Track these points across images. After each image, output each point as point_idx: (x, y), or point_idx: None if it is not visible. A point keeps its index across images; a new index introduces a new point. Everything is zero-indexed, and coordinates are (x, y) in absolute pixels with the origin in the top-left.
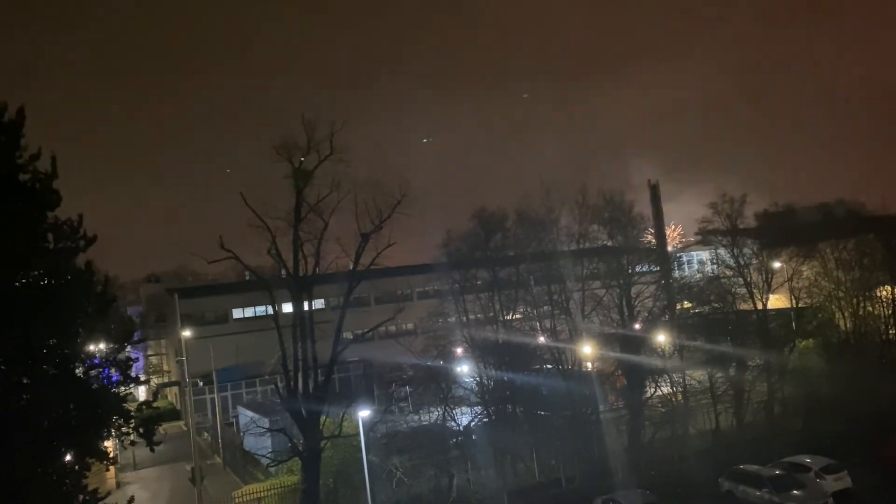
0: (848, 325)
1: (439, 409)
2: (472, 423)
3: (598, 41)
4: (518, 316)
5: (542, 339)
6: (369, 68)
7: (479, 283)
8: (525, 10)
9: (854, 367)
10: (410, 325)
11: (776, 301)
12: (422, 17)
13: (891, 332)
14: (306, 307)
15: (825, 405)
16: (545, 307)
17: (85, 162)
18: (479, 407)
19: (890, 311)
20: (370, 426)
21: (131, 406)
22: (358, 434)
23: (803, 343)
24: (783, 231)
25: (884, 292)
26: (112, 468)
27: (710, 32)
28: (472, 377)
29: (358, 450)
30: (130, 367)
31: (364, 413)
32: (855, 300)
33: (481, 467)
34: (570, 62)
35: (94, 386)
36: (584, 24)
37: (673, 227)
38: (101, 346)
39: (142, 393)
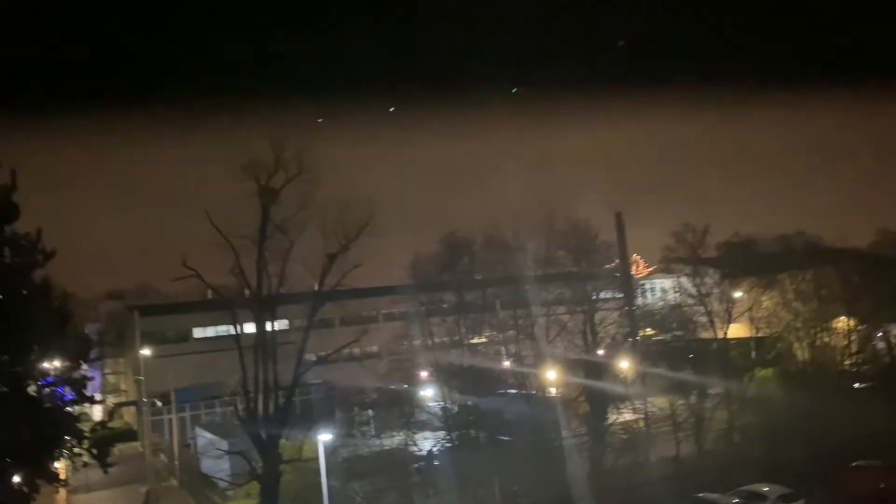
0: (806, 356)
1: (402, 433)
2: (435, 448)
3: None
4: (483, 340)
5: (506, 364)
6: (340, 90)
7: (445, 305)
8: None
9: (811, 398)
10: (375, 348)
11: (736, 330)
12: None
13: (846, 363)
14: (269, 328)
15: (784, 434)
16: (510, 331)
17: (46, 176)
18: (443, 431)
19: (846, 343)
20: (331, 450)
21: (85, 426)
22: (318, 458)
23: (762, 372)
24: (744, 261)
25: (840, 324)
26: (62, 490)
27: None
28: (437, 401)
29: (318, 474)
30: (86, 385)
31: (325, 436)
32: (812, 331)
33: (443, 493)
34: (540, 93)
35: (47, 405)
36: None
37: (642, 262)
38: (56, 363)
39: (97, 412)
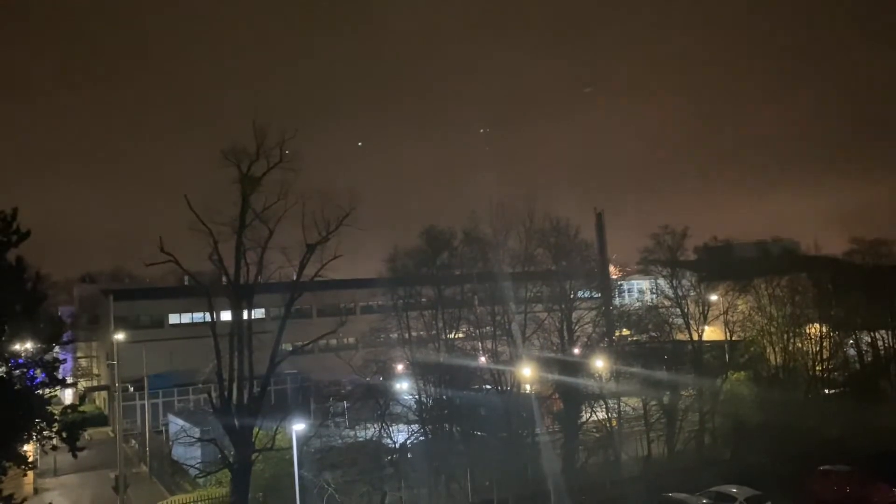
0: (778, 360)
1: (376, 425)
2: (409, 441)
3: (550, 83)
4: (460, 335)
5: (483, 360)
6: (327, 88)
7: (423, 300)
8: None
9: (782, 402)
10: (352, 340)
11: (711, 333)
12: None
13: (817, 368)
14: (245, 316)
15: (753, 437)
16: (488, 328)
17: (25, 156)
18: (417, 425)
19: (817, 349)
20: (304, 440)
21: (56, 409)
22: (291, 448)
23: (735, 375)
24: (721, 265)
25: (812, 330)
26: (30, 473)
27: (654, 75)
28: (411, 394)
29: (290, 464)
30: (57, 368)
31: (298, 426)
32: (785, 336)
33: (415, 486)
34: (529, 101)
35: (17, 387)
36: (542, 67)
37: (614, 267)
38: (28, 345)
39: (68, 396)
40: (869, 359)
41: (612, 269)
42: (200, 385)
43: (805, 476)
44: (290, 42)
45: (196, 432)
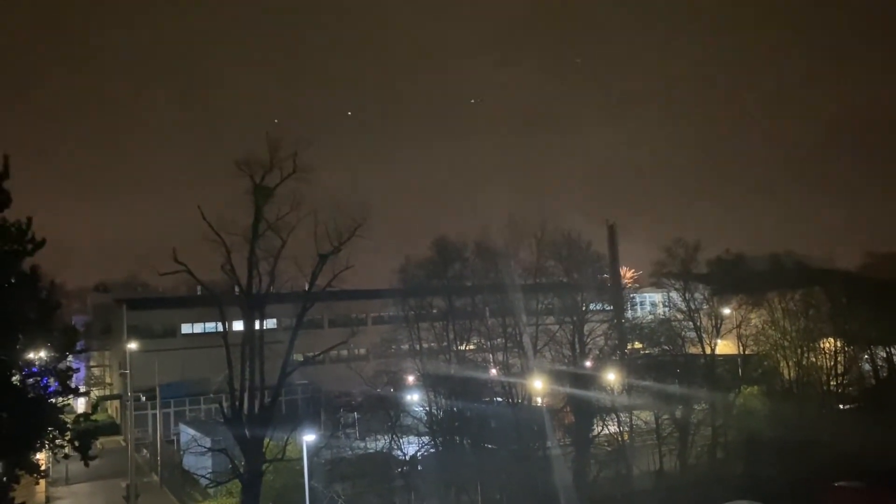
0: (791, 375)
1: (386, 436)
2: (419, 453)
3: (561, 96)
4: (471, 347)
5: (494, 372)
6: (339, 99)
7: (434, 311)
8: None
9: (795, 417)
10: (363, 351)
11: (724, 347)
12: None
13: (832, 383)
14: (257, 326)
15: (766, 452)
16: (499, 340)
17: (42, 166)
18: (427, 437)
19: (832, 364)
20: (314, 451)
21: (68, 418)
22: (301, 458)
23: (748, 389)
24: (734, 278)
25: (826, 344)
26: (42, 481)
27: (665, 86)
28: (422, 406)
29: (300, 474)
30: (71, 377)
31: (309, 437)
32: (799, 350)
33: (425, 498)
34: (541, 114)
35: (31, 395)
36: (554, 80)
37: (626, 269)
38: (42, 354)
39: (81, 405)
40: (884, 374)
41: (623, 270)
42: (212, 395)
43: (819, 492)
44: (304, 57)
45: (207, 442)
